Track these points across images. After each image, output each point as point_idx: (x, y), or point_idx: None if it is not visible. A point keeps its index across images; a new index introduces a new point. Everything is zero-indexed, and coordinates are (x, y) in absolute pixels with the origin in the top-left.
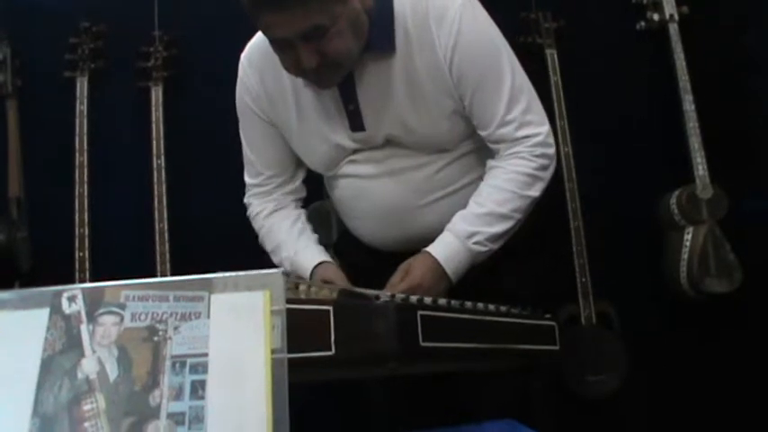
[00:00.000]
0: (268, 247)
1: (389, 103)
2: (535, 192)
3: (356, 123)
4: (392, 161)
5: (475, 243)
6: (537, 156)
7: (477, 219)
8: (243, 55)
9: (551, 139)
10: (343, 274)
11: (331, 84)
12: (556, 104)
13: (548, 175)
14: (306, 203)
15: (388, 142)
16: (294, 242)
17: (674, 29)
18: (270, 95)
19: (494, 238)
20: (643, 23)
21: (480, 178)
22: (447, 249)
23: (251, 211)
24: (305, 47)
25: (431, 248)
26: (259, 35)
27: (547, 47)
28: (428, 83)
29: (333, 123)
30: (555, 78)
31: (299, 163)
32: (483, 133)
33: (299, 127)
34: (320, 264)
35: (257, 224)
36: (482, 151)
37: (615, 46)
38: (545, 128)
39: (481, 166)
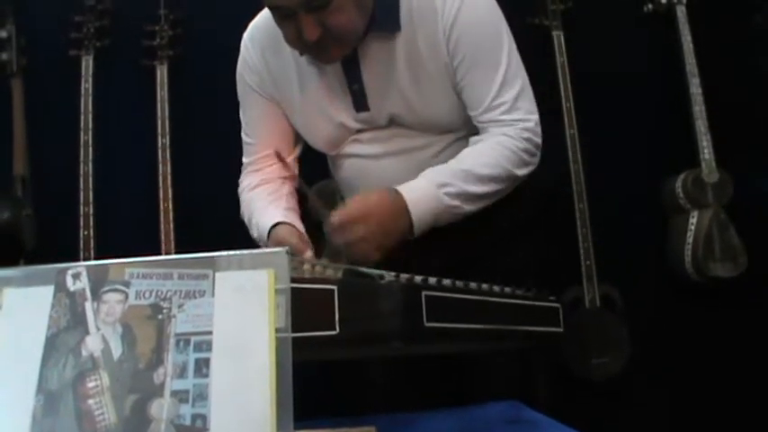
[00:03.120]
0: (245, 218)
1: (393, 83)
2: (517, 170)
3: (360, 103)
4: (396, 141)
5: (446, 193)
6: (524, 138)
7: (454, 172)
8: (245, 34)
9: (539, 130)
10: (298, 234)
11: (333, 59)
12: (562, 86)
13: (533, 160)
14: (311, 183)
15: (392, 122)
16: (264, 208)
17: (681, 11)
18: (272, 73)
19: (466, 196)
20: (650, 6)
21: None
22: (415, 190)
23: (240, 189)
24: (307, 18)
25: (399, 186)
26: (262, 14)
27: (554, 28)
28: (429, 61)
29: (337, 103)
30: (561, 60)
31: (296, 142)
32: (472, 114)
33: (303, 106)
34: (276, 224)
35: (241, 198)
36: None
37: (622, 28)
38: (535, 116)
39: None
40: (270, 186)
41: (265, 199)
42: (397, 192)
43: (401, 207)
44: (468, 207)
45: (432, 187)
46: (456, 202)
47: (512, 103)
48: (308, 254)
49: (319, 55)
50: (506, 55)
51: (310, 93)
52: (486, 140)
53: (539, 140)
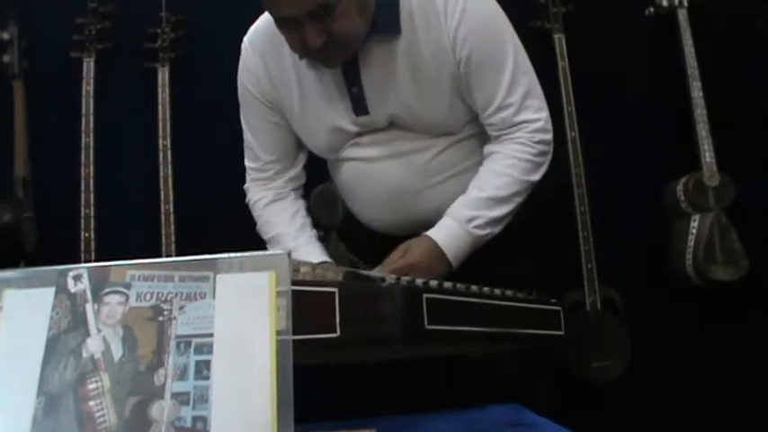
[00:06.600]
0: (265, 236)
1: (393, 86)
2: (535, 176)
3: (360, 107)
4: (396, 144)
5: (475, 227)
6: (536, 142)
7: (478, 203)
8: (245, 38)
9: (550, 125)
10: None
11: (336, 63)
12: (563, 89)
13: (547, 160)
14: (312, 186)
15: (392, 125)
16: (293, 237)
17: (683, 15)
18: (272, 78)
19: (494, 221)
20: (652, 9)
21: (482, 162)
22: (446, 233)
23: (249, 198)
24: (311, 26)
25: (430, 232)
26: (262, 18)
27: (555, 32)
28: (431, 64)
29: (336, 106)
30: (563, 63)
31: (299, 148)
32: (482, 116)
33: (302, 110)
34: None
35: (256, 212)
36: (485, 135)
37: (623, 31)
38: (544, 113)
39: (483, 149)
40: (286, 206)
41: (288, 223)
42: (429, 238)
43: (438, 253)
44: (499, 229)
45: (461, 226)
46: (487, 231)
47: (521, 103)
48: None
49: (323, 60)
50: (513, 53)
51: (309, 97)
52: (500, 154)
53: (550, 137)
